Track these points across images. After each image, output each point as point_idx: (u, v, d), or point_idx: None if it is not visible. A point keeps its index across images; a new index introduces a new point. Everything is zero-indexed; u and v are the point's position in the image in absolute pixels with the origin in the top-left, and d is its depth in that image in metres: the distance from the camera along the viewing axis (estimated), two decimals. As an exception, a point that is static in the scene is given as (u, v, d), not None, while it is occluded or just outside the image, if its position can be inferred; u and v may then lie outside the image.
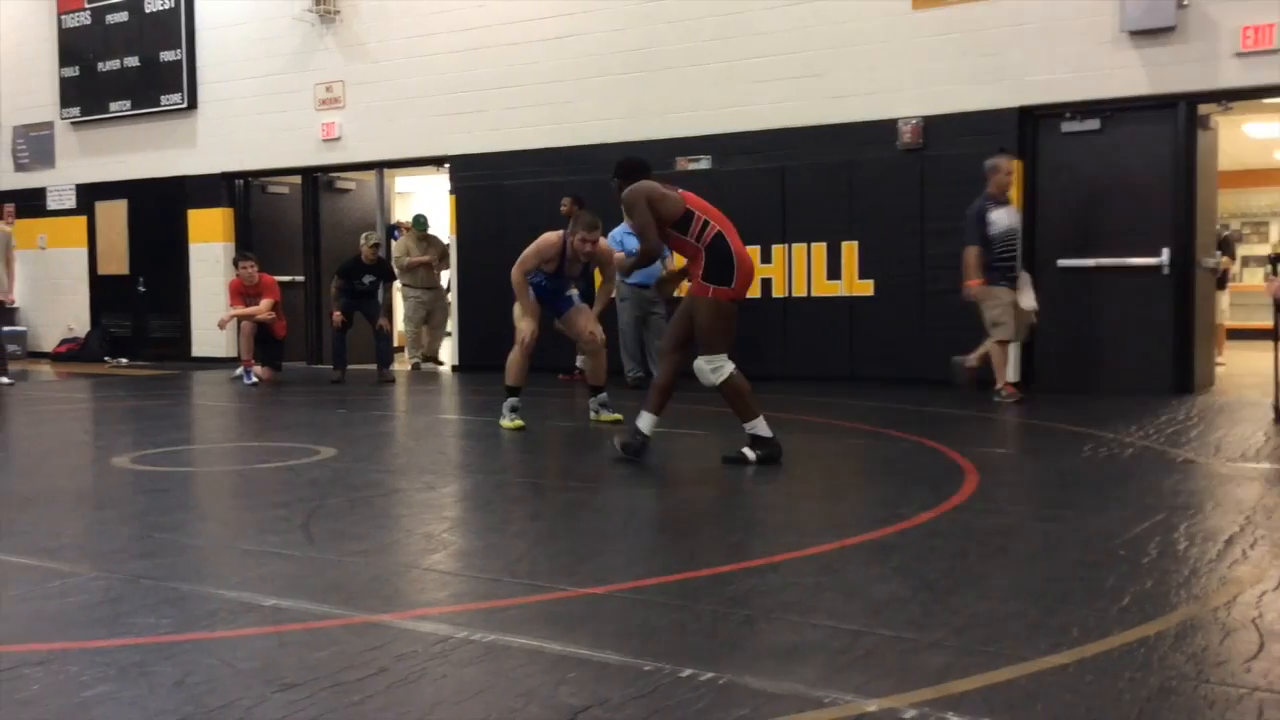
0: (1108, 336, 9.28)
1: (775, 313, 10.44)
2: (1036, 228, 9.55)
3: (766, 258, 10.46)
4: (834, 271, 10.18)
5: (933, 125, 9.74)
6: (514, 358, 7.33)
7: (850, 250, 10.10)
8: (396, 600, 3.38)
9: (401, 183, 16.45)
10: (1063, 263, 9.41)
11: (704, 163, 10.88)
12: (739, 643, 2.83)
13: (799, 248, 10.34)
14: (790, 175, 10.34)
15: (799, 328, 10.37)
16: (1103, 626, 2.93)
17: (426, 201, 17.12)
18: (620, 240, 9.44)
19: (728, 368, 5.53)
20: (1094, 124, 9.28)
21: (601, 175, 11.13)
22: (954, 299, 9.66)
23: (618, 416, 7.38)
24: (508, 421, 7.20)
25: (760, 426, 5.56)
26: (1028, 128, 9.53)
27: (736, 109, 10.60)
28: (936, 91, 9.71)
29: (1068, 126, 9.39)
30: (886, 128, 9.89)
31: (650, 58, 11.00)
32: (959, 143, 9.59)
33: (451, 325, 12.82)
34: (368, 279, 11.22)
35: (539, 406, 9.06)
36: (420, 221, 13.05)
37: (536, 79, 11.58)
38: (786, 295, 10.39)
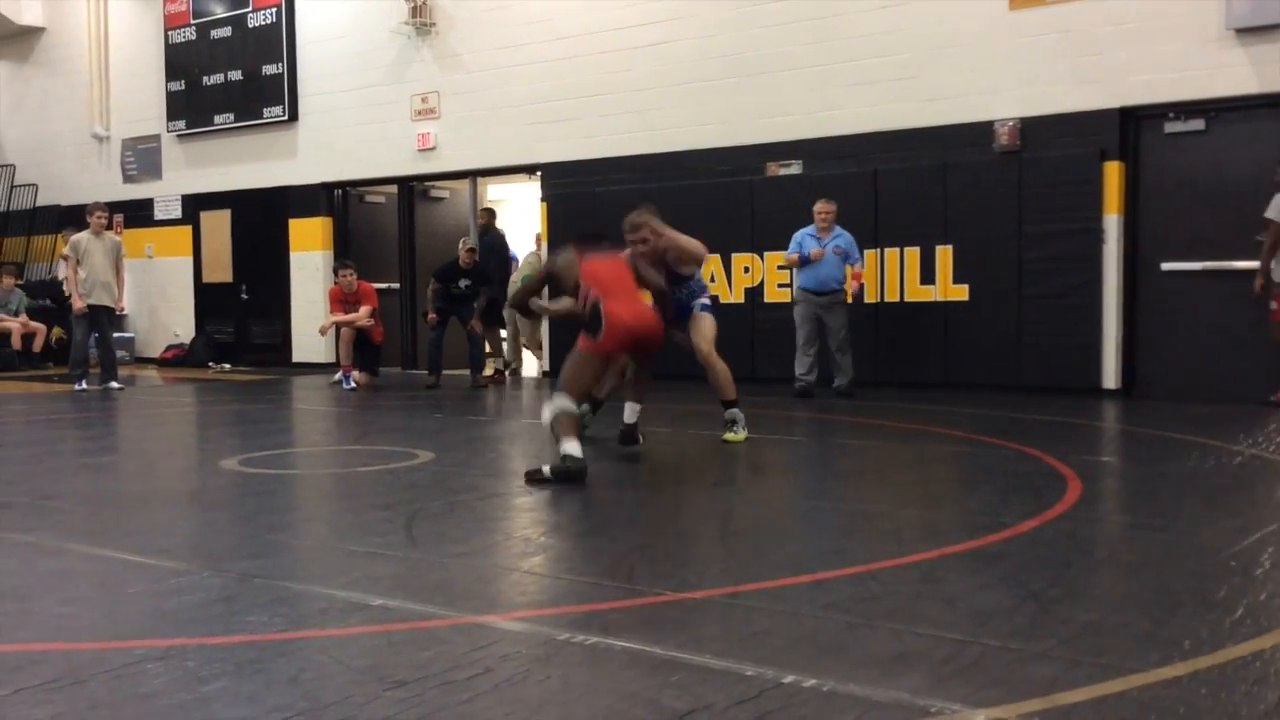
0: (1213, 342, 9.02)
1: (866, 318, 10.35)
2: (1139, 231, 9.34)
3: (859, 262, 10.37)
4: (928, 276, 10.06)
5: (1030, 127, 9.57)
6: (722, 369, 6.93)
7: (944, 254, 9.97)
8: (499, 602, 3.43)
9: (494, 190, 16.69)
10: (1166, 266, 9.17)
11: (794, 168, 10.85)
12: (841, 650, 2.82)
13: (891, 252, 10.24)
14: (883, 179, 10.25)
15: (891, 333, 10.27)
16: (1216, 639, 2.86)
17: (517, 209, 17.34)
18: (800, 241, 9.63)
19: (557, 406, 5.68)
20: (1198, 124, 9.04)
21: (694, 180, 11.23)
22: (1053, 304, 9.50)
23: (743, 436, 6.88)
24: (735, 435, 6.86)
25: (572, 446, 5.45)
26: (1129, 129, 9.31)
27: (828, 113, 10.54)
28: (1034, 93, 9.54)
29: (1171, 127, 9.16)
30: (982, 130, 9.75)
31: (742, 63, 11.00)
32: (1058, 144, 9.42)
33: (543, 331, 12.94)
34: (464, 283, 11.40)
35: (643, 413, 9.11)
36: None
37: (628, 86, 11.66)
38: (878, 300, 10.29)
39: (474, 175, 13.52)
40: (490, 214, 13.39)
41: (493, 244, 12.88)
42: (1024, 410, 8.30)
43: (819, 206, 9.60)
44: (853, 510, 4.88)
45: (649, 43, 11.53)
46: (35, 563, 3.92)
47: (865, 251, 10.13)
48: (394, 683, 2.59)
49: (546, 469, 5.41)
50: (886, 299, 10.27)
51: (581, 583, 3.56)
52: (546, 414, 5.72)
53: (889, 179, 10.22)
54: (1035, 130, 9.56)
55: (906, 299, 10.18)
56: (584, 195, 12.03)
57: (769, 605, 3.24)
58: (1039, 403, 8.73)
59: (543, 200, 12.65)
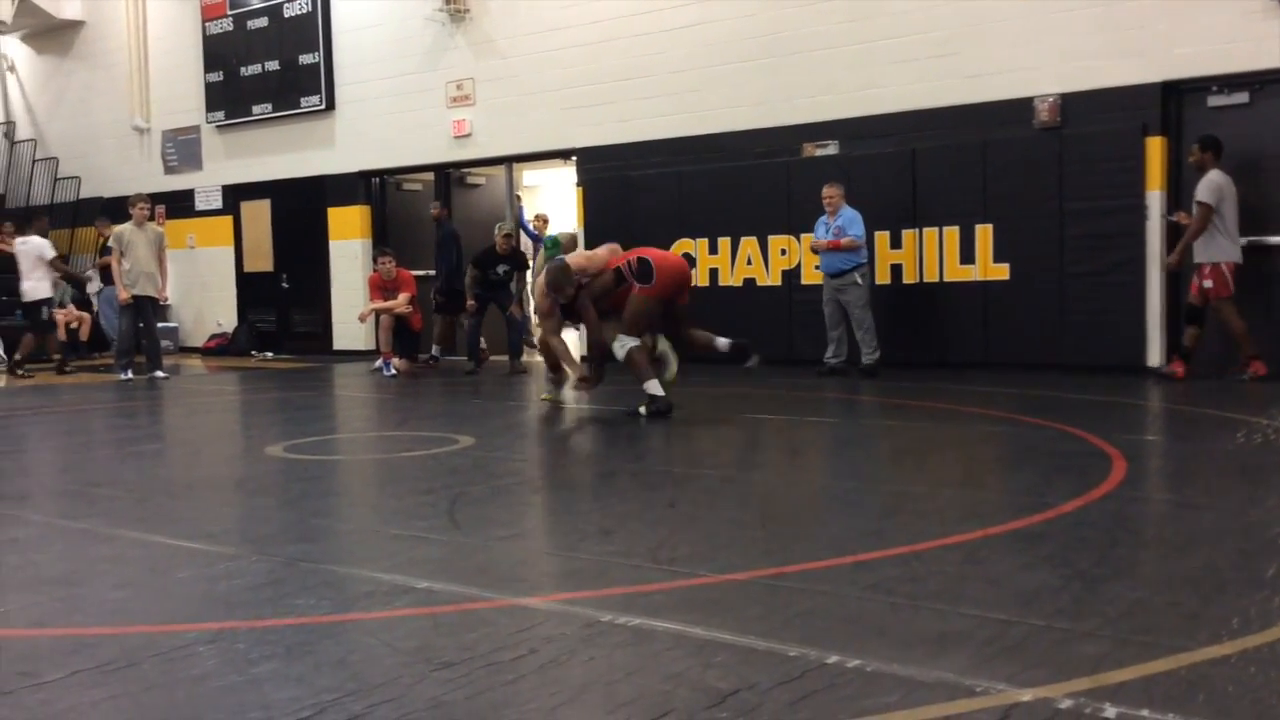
0: (1256, 318, 8.87)
1: (905, 298, 10.28)
2: (1182, 207, 9.19)
3: (896, 243, 10.30)
4: (967, 255, 9.97)
5: (1071, 102, 9.44)
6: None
7: (984, 233, 9.87)
8: (542, 584, 3.45)
9: (529, 176, 16.71)
10: (1211, 242, 9.02)
11: (831, 148, 10.78)
12: (884, 630, 2.81)
13: (930, 232, 10.15)
14: (921, 158, 10.16)
15: (930, 313, 10.19)
16: (1265, 617, 2.83)
17: (553, 194, 17.36)
18: (815, 230, 9.89)
19: (626, 345, 7.20)
20: (1243, 97, 8.88)
21: (730, 162, 11.19)
22: (1095, 282, 9.38)
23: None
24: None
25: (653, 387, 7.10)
26: (1172, 103, 9.16)
27: (865, 92, 10.45)
28: (1075, 68, 9.41)
29: (1214, 100, 9.00)
30: (1022, 106, 9.63)
31: (778, 44, 10.92)
32: (1099, 120, 9.29)
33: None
34: (502, 268, 11.42)
35: (681, 396, 9.13)
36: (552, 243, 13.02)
37: (664, 69, 11.62)
38: (918, 280, 10.22)
39: (510, 161, 13.55)
40: (443, 208, 12.95)
41: (446, 237, 12.71)
42: (1066, 389, 8.22)
43: (824, 191, 9.81)
44: (893, 491, 4.86)
45: (684, 24, 11.48)
46: (87, 549, 3.99)
47: (904, 231, 10.09)
48: (441, 664, 2.61)
49: (642, 410, 6.74)
50: (925, 279, 10.18)
51: (623, 565, 3.58)
52: (619, 352, 7.08)
53: (927, 158, 10.12)
54: (1076, 106, 9.43)
55: (946, 279, 10.09)
56: (620, 179, 12.03)
57: (811, 586, 3.24)
58: (1082, 382, 8.64)
59: (578, 185, 12.66)
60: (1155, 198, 9.15)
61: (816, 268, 10.23)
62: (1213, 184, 8.44)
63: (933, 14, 10.05)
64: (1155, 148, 9.13)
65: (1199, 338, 8.61)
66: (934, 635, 2.75)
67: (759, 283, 11.17)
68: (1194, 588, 3.15)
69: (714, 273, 11.47)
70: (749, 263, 11.23)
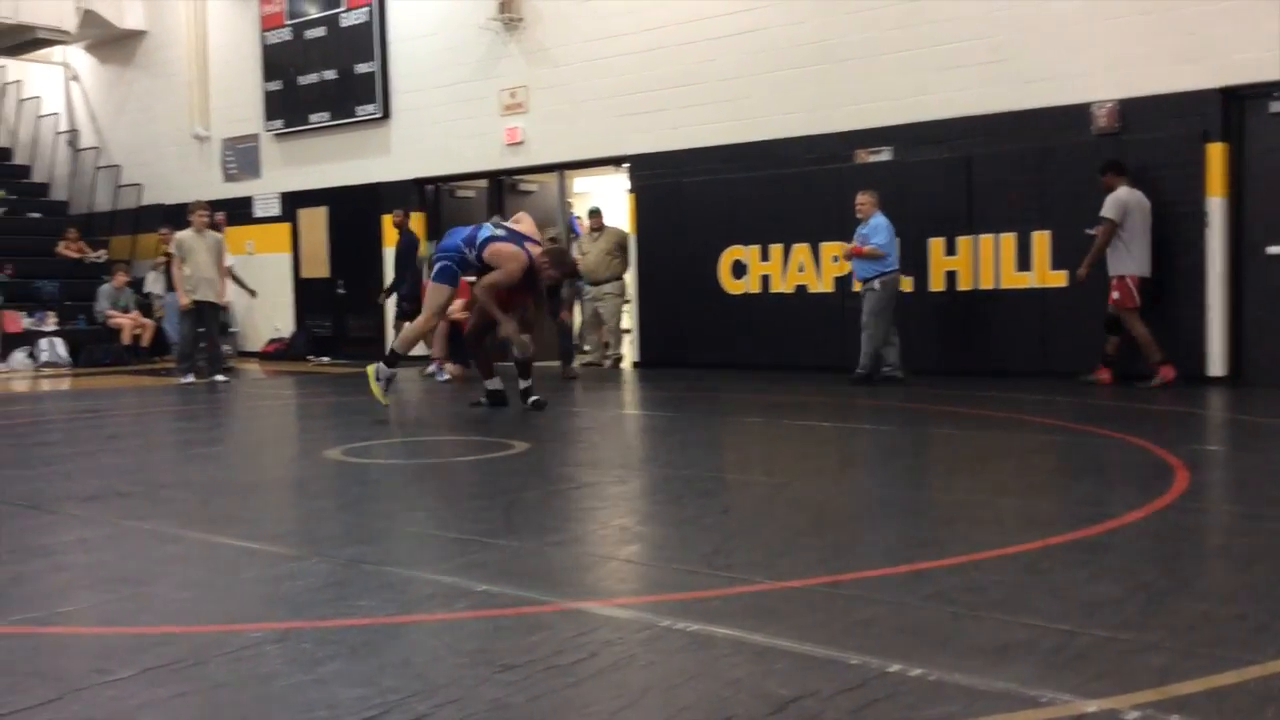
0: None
1: (961, 305, 10.21)
2: (1244, 214, 9.05)
3: (951, 249, 10.24)
4: (1024, 262, 9.88)
5: (1130, 108, 9.33)
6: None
7: (1041, 240, 9.78)
8: (599, 589, 3.47)
9: (579, 183, 16.78)
10: (1271, 250, 8.88)
11: (884, 154, 10.73)
12: (946, 640, 2.80)
13: (986, 239, 10.07)
14: (977, 164, 10.08)
15: (986, 321, 10.11)
16: (1337, 632, 2.78)
17: (601, 201, 17.37)
18: (866, 236, 9.74)
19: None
20: (1306, 103, 8.73)
21: (782, 169, 11.17)
22: (1154, 289, 9.26)
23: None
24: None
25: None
26: (1232, 109, 9.02)
27: (919, 98, 10.39)
28: (1133, 73, 9.30)
29: (1276, 107, 8.85)
30: (1079, 112, 9.53)
31: (830, 50, 10.90)
32: (1158, 126, 9.17)
33: (631, 323, 13.00)
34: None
35: (721, 400, 9.13)
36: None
37: (716, 76, 11.64)
38: (973, 288, 10.14)
39: (561, 168, 13.62)
40: (406, 214, 12.97)
41: (407, 245, 12.69)
42: (1126, 398, 8.11)
43: (857, 198, 9.89)
44: (951, 500, 4.83)
45: (736, 31, 11.49)
46: (154, 549, 4.07)
47: (960, 238, 10.06)
48: (502, 666, 2.64)
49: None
50: (981, 285, 10.10)
51: (680, 570, 3.59)
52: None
53: (983, 164, 10.04)
54: (1135, 112, 9.31)
55: (1002, 286, 10.00)
56: (671, 186, 12.06)
57: (869, 595, 3.23)
58: (1142, 391, 8.52)
59: (630, 191, 12.70)
60: (1217, 204, 9.02)
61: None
62: (1118, 201, 8.91)
63: (986, 19, 9.98)
64: (1216, 154, 8.99)
65: (1119, 345, 9.07)
66: (996, 645, 2.73)
67: (810, 289, 11.14)
68: (1260, 600, 3.10)
69: (765, 279, 11.46)
70: (801, 269, 11.21)
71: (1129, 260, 8.90)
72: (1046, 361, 9.74)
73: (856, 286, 10.13)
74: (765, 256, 11.44)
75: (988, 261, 10.07)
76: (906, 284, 10.16)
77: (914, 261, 10.28)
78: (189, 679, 2.61)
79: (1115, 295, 8.97)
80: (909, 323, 10.06)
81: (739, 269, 11.67)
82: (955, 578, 3.39)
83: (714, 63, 11.65)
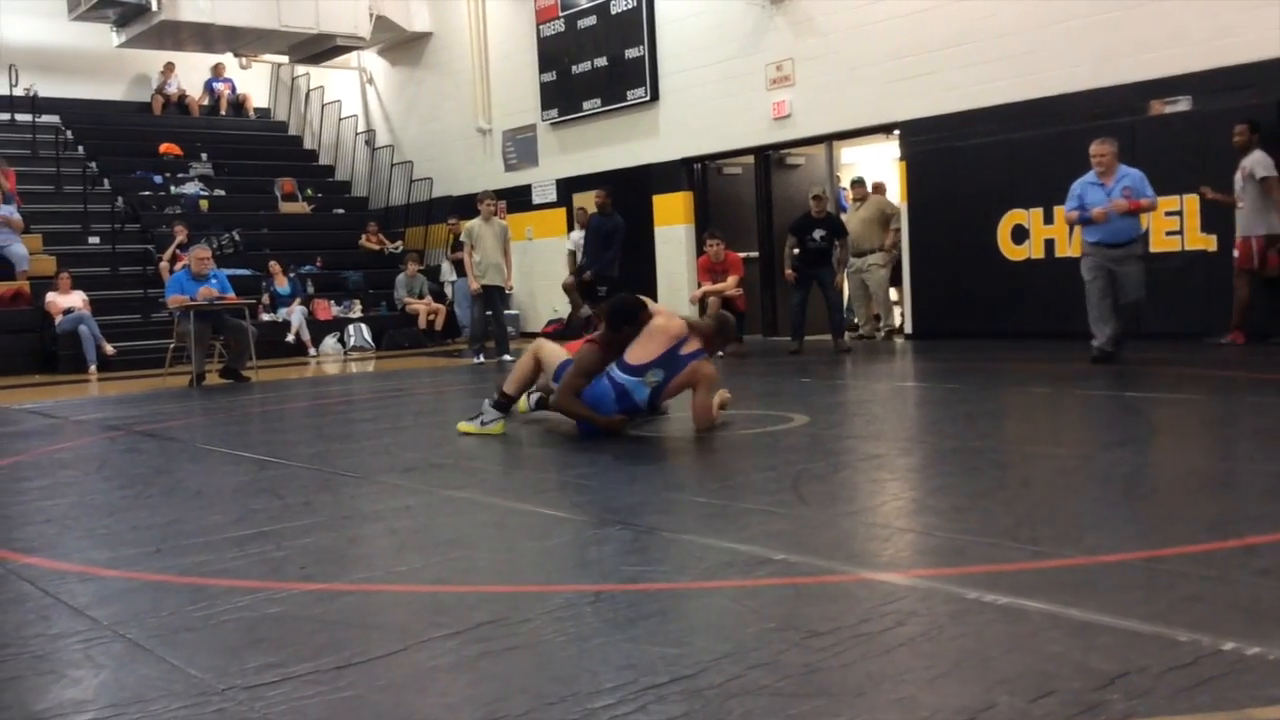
0: None
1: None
2: None
3: (1263, 204, 9.41)
4: (1350, 214, 8.96)
5: None
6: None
7: (1371, 188, 8.84)
8: (897, 560, 3.44)
9: (846, 154, 16.55)
10: None
11: (1182, 104, 10.00)
12: (1286, 618, 2.61)
13: (1303, 190, 9.19)
14: (1291, 110, 9.23)
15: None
16: None
17: (868, 171, 17.06)
18: (1080, 194, 8.82)
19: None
20: None
21: (1065, 126, 10.58)
22: None
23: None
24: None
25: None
26: None
27: (1221, 40, 9.61)
28: None
29: None
30: None
31: (1119, -6, 10.24)
32: None
33: (902, 294, 12.73)
34: (818, 234, 11.35)
35: (1004, 370, 8.81)
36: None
37: (991, 32, 11.18)
38: (1289, 244, 9.30)
39: (830, 139, 13.48)
40: (607, 195, 12.66)
41: (615, 227, 12.47)
42: None
43: (1094, 148, 8.69)
44: (1276, 472, 4.47)
45: (1015, -15, 10.98)
46: (471, 515, 4.37)
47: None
48: (809, 632, 2.67)
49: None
50: (1298, 242, 9.25)
51: (981, 543, 3.51)
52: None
53: (1297, 109, 9.18)
54: None
55: (1323, 241, 9.12)
56: (945, 151, 11.70)
57: (1193, 570, 3.05)
58: None
59: (901, 159, 12.41)
60: None
61: (1168, 232, 9.57)
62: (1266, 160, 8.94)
63: (1304, -53, 9.10)
64: None
65: None
66: (1346, 626, 2.53)
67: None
68: None
69: (1049, 244, 10.94)
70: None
71: (1259, 222, 9.08)
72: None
73: (1165, 245, 9.48)
74: (1049, 219, 10.90)
75: (1306, 214, 9.20)
76: (1210, 242, 9.44)
77: (1222, 221, 9.52)
78: (516, 634, 2.79)
79: (1237, 254, 9.19)
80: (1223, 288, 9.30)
81: (1019, 234, 11.19)
82: (1291, 554, 3.15)
83: (990, 18, 11.19)
